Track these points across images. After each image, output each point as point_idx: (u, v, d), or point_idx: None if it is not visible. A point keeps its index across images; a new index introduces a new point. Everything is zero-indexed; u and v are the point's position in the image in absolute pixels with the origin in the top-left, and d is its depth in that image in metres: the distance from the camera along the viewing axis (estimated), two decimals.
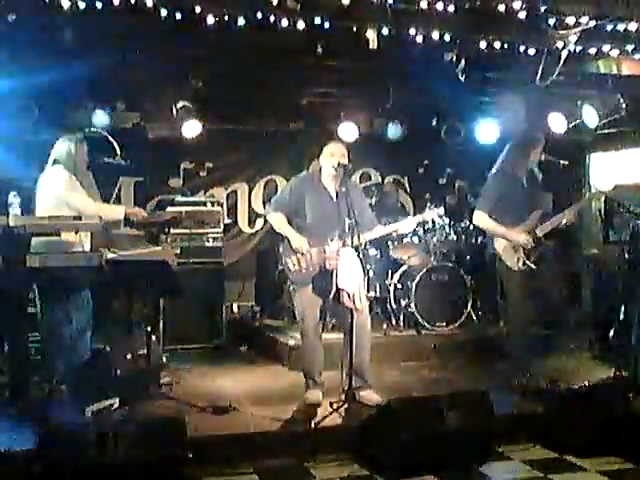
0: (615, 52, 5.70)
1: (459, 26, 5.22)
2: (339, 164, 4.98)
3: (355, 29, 5.15)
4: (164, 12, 4.72)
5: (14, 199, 5.25)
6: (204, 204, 7.23)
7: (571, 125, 6.90)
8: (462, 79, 5.85)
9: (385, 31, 5.12)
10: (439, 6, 4.92)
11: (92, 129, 6.06)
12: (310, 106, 7.10)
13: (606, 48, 5.61)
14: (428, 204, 6.56)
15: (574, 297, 7.70)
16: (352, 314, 4.80)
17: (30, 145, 5.98)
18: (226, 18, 4.86)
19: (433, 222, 6.82)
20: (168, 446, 3.79)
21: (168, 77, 6.30)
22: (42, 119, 6.10)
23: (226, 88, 6.60)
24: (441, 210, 5.48)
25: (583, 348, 6.67)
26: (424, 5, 4.90)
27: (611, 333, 6.23)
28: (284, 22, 4.91)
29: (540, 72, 5.68)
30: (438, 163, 7.92)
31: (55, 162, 5.17)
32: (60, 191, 5.06)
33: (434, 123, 7.45)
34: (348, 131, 7.13)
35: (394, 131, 7.46)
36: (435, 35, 5.24)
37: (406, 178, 8.58)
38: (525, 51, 5.57)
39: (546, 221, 5.41)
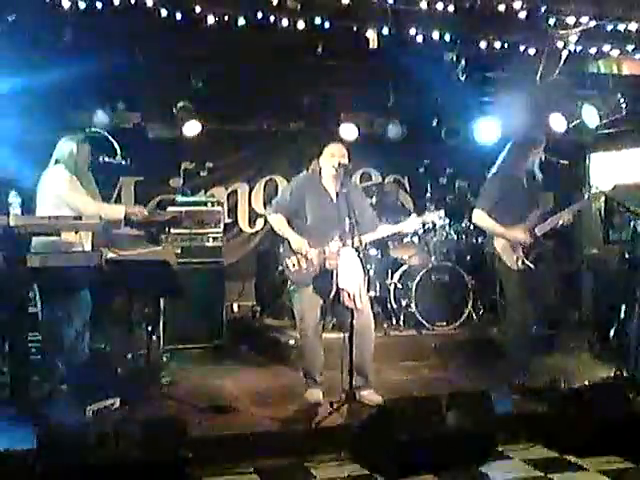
0: (615, 52, 5.71)
1: (459, 26, 5.24)
2: (339, 164, 4.97)
3: (355, 29, 5.17)
4: (164, 12, 4.75)
5: (14, 199, 5.24)
6: (204, 204, 7.21)
7: (571, 125, 6.89)
8: (462, 79, 5.86)
9: (385, 31, 5.14)
10: (439, 6, 4.94)
11: (92, 129, 6.06)
12: (310, 106, 7.10)
13: (606, 48, 5.63)
14: (428, 204, 6.55)
15: (574, 297, 7.71)
16: (353, 314, 4.80)
17: (30, 145, 5.96)
18: (226, 18, 4.88)
19: (434, 223, 6.81)
20: (168, 446, 3.79)
21: (168, 77, 6.31)
22: (42, 119, 6.11)
23: (226, 88, 6.60)
24: (442, 212, 5.48)
25: (583, 348, 6.67)
26: (424, 5, 4.92)
27: (611, 333, 6.22)
28: (284, 22, 4.93)
29: (540, 72, 5.68)
30: (438, 163, 7.91)
31: (57, 162, 5.18)
32: (61, 191, 5.06)
33: (434, 123, 7.45)
34: (348, 131, 7.14)
35: (394, 131, 7.46)
36: (435, 35, 5.26)
37: (406, 178, 8.56)
38: (525, 51, 5.58)
39: (545, 221, 5.41)
